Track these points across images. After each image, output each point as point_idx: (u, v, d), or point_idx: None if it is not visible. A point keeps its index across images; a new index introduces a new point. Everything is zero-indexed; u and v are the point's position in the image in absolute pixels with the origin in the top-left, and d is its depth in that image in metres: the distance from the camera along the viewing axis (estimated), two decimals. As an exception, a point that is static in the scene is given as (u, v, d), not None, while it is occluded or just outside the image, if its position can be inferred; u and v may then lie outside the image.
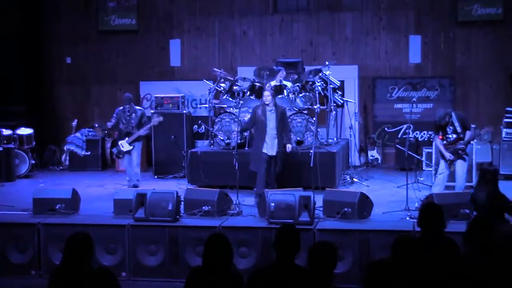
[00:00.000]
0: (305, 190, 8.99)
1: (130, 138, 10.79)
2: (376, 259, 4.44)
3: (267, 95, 10.05)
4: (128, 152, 10.84)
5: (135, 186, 10.64)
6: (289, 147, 10.29)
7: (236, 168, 9.62)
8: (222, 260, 4.87)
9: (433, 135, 9.90)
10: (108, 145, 13.87)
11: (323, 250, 4.83)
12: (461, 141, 9.33)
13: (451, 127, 9.41)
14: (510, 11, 13.28)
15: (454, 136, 9.40)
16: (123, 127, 10.88)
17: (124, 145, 10.81)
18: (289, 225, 5.42)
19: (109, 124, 11.09)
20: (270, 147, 10.03)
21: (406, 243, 4.95)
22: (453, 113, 9.45)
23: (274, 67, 12.16)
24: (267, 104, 10.00)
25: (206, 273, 4.87)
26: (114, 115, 11.00)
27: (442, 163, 9.63)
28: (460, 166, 9.53)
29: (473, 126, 9.75)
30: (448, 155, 9.36)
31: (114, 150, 11.04)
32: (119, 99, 14.56)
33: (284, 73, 11.64)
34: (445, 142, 9.47)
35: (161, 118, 11.17)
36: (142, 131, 10.85)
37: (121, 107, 10.99)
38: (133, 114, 10.86)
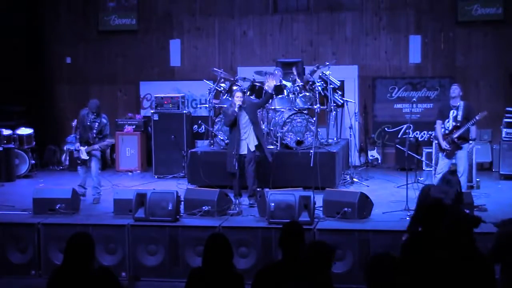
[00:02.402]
0: (305, 190, 8.99)
1: (88, 148, 10.17)
2: (376, 254, 4.42)
3: (239, 96, 9.78)
4: (85, 161, 10.25)
5: (96, 200, 10.09)
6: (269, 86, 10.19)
7: (236, 168, 9.63)
8: (222, 260, 4.87)
9: (435, 121, 9.91)
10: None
11: (319, 249, 4.83)
12: (455, 131, 9.40)
13: (454, 112, 9.48)
14: (510, 11, 13.27)
15: (453, 124, 9.48)
16: (82, 131, 10.25)
17: (83, 153, 10.20)
18: (293, 222, 5.46)
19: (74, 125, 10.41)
20: (247, 144, 9.82)
21: (416, 241, 4.97)
22: (463, 101, 9.57)
23: (278, 68, 12.08)
24: (239, 105, 9.69)
25: (206, 274, 4.87)
26: (79, 118, 10.39)
27: (442, 163, 9.65)
28: (462, 166, 9.55)
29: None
30: (444, 144, 9.46)
31: (75, 154, 10.39)
32: (119, 99, 14.65)
33: (281, 73, 11.60)
34: (443, 130, 9.56)
35: (111, 141, 10.72)
36: (98, 146, 10.16)
37: (86, 110, 10.31)
38: (96, 123, 10.19)
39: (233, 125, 9.81)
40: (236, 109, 9.67)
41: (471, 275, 4.98)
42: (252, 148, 9.85)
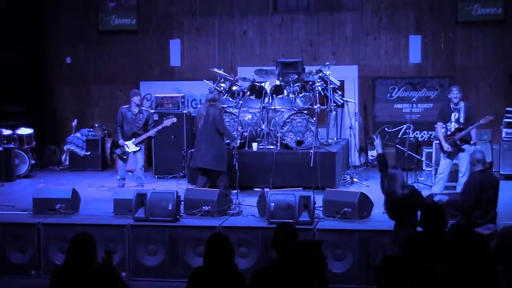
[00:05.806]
0: (305, 190, 8.98)
1: (137, 139, 10.59)
2: (388, 254, 4.43)
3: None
4: (133, 153, 10.61)
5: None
6: None
7: (236, 168, 9.63)
8: (223, 260, 4.87)
9: (436, 122, 9.88)
10: (108, 145, 13.87)
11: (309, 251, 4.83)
12: (458, 133, 9.39)
13: (456, 114, 9.47)
14: (510, 11, 13.28)
15: (456, 126, 9.45)
16: (127, 127, 10.64)
17: (129, 145, 10.56)
18: (286, 223, 5.46)
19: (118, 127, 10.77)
20: None
21: (418, 239, 4.98)
22: (463, 102, 9.55)
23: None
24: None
25: (207, 274, 4.87)
26: (119, 115, 10.74)
27: (443, 163, 9.64)
28: (464, 166, 9.53)
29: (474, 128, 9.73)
30: (446, 146, 9.44)
31: (118, 151, 10.75)
32: (119, 99, 14.62)
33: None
34: (444, 131, 9.54)
35: (174, 119, 10.97)
36: (152, 132, 10.67)
37: (126, 106, 10.80)
38: (140, 115, 10.66)
39: None
40: None
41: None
42: None
